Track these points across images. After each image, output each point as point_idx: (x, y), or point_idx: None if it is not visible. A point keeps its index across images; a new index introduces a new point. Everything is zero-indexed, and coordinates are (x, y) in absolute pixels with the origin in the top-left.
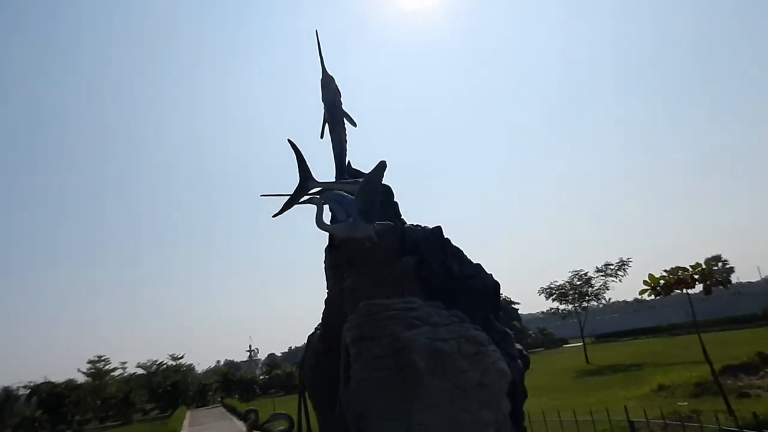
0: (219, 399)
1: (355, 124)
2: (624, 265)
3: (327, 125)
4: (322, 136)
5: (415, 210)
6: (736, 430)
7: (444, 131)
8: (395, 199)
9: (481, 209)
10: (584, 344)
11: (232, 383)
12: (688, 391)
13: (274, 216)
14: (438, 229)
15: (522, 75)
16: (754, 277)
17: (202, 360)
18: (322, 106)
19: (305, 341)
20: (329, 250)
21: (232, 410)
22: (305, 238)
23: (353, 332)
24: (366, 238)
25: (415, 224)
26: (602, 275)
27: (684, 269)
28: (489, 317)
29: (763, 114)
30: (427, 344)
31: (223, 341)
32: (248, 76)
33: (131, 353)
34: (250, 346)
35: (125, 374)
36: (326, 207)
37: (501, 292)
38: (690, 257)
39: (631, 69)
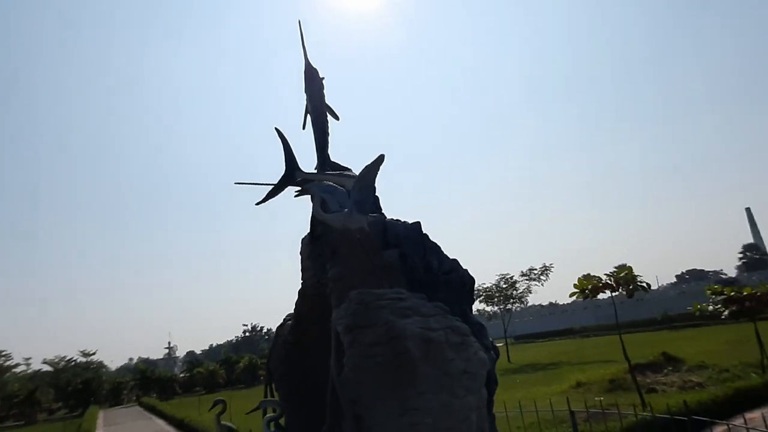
0: (135, 398)
1: (337, 118)
2: (546, 270)
3: (309, 116)
4: (304, 127)
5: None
6: (668, 416)
7: (379, 132)
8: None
9: (413, 211)
10: (507, 344)
11: (151, 381)
12: (603, 387)
13: (257, 204)
14: (417, 224)
15: (454, 83)
16: (653, 285)
17: (115, 357)
18: (305, 97)
19: (274, 334)
20: (310, 241)
21: (151, 409)
22: (226, 233)
23: (347, 320)
24: (359, 228)
25: (395, 219)
26: (526, 279)
27: (609, 275)
28: (466, 310)
29: (665, 134)
30: (419, 333)
31: (138, 338)
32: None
33: (37, 349)
34: (169, 343)
35: (29, 371)
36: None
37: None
38: (596, 266)
39: (558, 80)
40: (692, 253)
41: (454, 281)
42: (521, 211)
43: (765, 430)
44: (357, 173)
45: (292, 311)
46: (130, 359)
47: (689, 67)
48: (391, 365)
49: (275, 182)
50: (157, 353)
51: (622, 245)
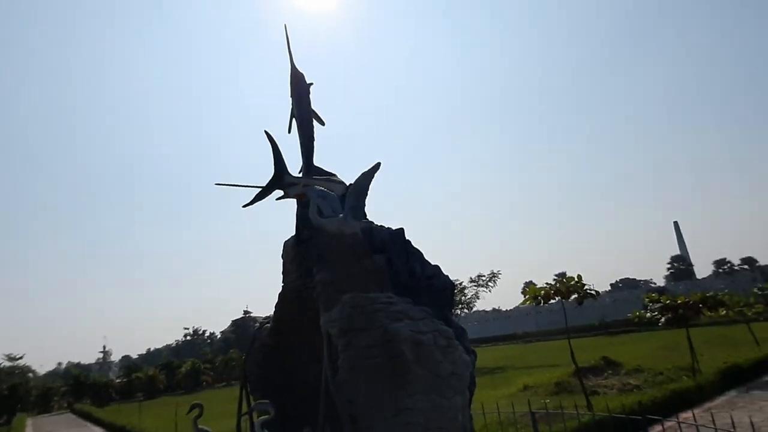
0: (66, 405)
1: (323, 123)
2: (494, 276)
3: (295, 120)
4: (289, 131)
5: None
6: (623, 415)
7: (334, 135)
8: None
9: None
10: None
11: (84, 387)
12: (549, 390)
13: (244, 206)
14: (401, 230)
15: (408, 88)
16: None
17: (44, 362)
18: (291, 101)
19: (251, 338)
20: (295, 244)
21: (87, 416)
22: (164, 234)
23: (341, 323)
24: (352, 233)
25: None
26: (475, 285)
27: (561, 282)
28: (447, 314)
29: (600, 151)
30: (411, 336)
31: (68, 342)
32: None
33: None
34: (104, 347)
35: None
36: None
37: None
38: (535, 274)
39: (504, 89)
40: (625, 263)
41: (436, 286)
42: (463, 219)
43: (712, 426)
44: (334, 179)
45: (236, 315)
46: (59, 364)
47: (625, 94)
48: (385, 367)
49: (254, 184)
50: (90, 358)
51: (560, 255)
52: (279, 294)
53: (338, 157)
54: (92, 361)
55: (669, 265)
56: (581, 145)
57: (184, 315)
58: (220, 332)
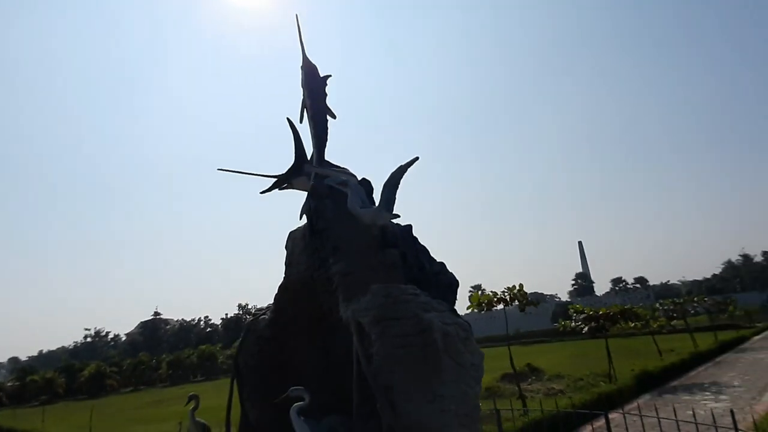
0: None
1: (334, 117)
2: None
3: (306, 111)
4: (301, 121)
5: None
6: (586, 411)
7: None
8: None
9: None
10: None
11: None
12: (480, 394)
13: (262, 192)
14: (409, 226)
15: (337, 91)
16: (500, 306)
17: None
18: (302, 91)
19: (245, 330)
20: (308, 235)
21: None
22: (53, 226)
23: (374, 312)
24: (383, 225)
25: None
26: None
27: (504, 291)
28: (454, 309)
29: (516, 176)
30: (441, 327)
31: None
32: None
33: None
34: None
35: None
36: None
37: None
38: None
39: (432, 107)
40: (533, 278)
41: (443, 282)
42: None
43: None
44: (347, 171)
45: (143, 317)
46: None
47: (543, 122)
48: (419, 355)
49: (258, 172)
50: None
51: (473, 268)
52: (280, 285)
53: (268, 155)
54: None
55: (573, 282)
56: (497, 161)
57: (82, 315)
58: (125, 334)
